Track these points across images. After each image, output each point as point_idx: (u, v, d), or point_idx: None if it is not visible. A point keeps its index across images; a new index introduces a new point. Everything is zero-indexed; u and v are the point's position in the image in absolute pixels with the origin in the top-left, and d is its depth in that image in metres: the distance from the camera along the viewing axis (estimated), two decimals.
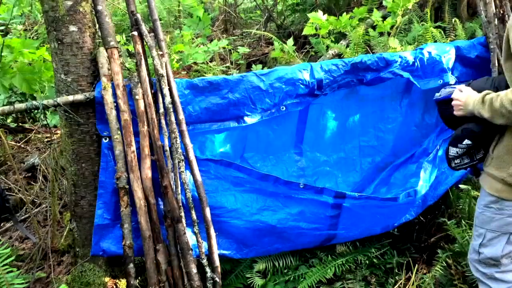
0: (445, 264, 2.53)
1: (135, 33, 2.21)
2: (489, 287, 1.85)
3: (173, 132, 2.17)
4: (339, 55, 3.57)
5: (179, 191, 2.22)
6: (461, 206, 2.72)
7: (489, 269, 1.83)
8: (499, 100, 1.60)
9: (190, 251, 2.18)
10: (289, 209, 2.47)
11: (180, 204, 2.20)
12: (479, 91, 1.77)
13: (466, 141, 1.83)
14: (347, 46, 3.57)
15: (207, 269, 2.19)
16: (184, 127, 2.21)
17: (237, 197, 2.41)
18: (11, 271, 2.08)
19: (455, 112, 1.84)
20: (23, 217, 3.11)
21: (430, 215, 2.88)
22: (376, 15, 3.43)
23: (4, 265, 2.06)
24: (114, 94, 2.15)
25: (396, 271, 2.57)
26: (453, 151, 1.89)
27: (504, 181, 1.70)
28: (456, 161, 1.92)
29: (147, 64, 2.23)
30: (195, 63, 3.56)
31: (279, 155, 2.93)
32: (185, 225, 2.20)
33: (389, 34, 3.42)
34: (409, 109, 2.84)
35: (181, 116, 2.20)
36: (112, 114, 2.14)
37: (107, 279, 2.41)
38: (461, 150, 1.87)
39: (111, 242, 2.27)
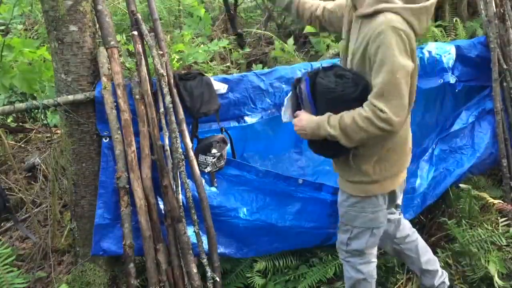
0: (446, 264, 2.53)
1: (135, 32, 2.21)
2: (349, 273, 2.11)
3: (173, 131, 2.17)
4: (340, 55, 3.57)
5: (179, 191, 2.22)
6: (461, 206, 2.72)
7: (354, 258, 2.06)
8: (350, 116, 1.65)
9: (191, 251, 2.18)
10: (289, 207, 2.47)
11: (180, 204, 2.20)
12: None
13: (214, 151, 2.22)
14: None
15: (208, 269, 2.19)
16: (184, 126, 2.21)
17: (237, 196, 2.41)
18: (12, 271, 2.08)
19: (303, 137, 1.89)
20: (23, 217, 3.11)
21: (431, 214, 2.88)
22: None
23: (4, 265, 2.06)
24: (114, 94, 2.15)
25: (397, 270, 2.57)
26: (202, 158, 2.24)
27: (374, 181, 1.85)
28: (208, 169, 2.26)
29: (147, 64, 2.23)
30: (195, 62, 3.56)
31: (279, 154, 2.93)
32: (185, 224, 2.20)
33: None
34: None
35: (181, 115, 2.20)
36: (112, 113, 2.14)
37: (107, 279, 2.41)
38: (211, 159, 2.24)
39: (112, 242, 2.27)
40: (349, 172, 1.89)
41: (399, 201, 2.12)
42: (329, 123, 1.70)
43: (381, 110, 1.57)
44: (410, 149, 1.96)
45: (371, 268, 2.09)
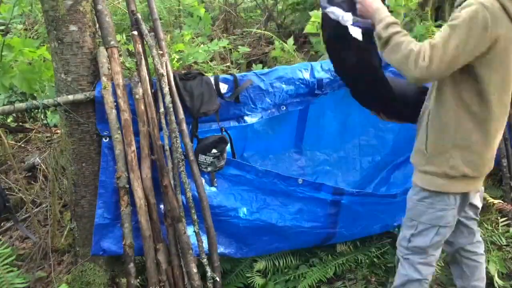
0: (445, 264, 2.53)
1: (135, 32, 2.21)
2: (406, 271, 1.97)
3: (173, 131, 2.17)
4: None
5: (179, 191, 2.22)
6: None
7: (414, 256, 1.95)
8: (402, 38, 1.66)
9: (190, 251, 2.18)
10: (289, 207, 2.47)
11: (180, 204, 2.20)
12: None
13: (214, 150, 2.22)
14: None
15: (208, 269, 2.19)
16: (184, 126, 2.21)
17: (237, 196, 2.41)
18: (12, 271, 2.08)
19: (358, 5, 1.83)
20: (23, 217, 3.11)
21: None
22: None
23: (4, 264, 2.06)
24: (114, 94, 2.15)
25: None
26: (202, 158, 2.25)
27: (446, 175, 1.78)
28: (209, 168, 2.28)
29: (147, 64, 2.23)
30: (195, 62, 3.56)
31: (279, 154, 2.93)
32: (185, 224, 2.20)
33: None
34: None
35: (181, 115, 2.20)
36: (112, 113, 2.14)
37: (107, 278, 2.41)
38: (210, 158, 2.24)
39: (111, 242, 2.27)
40: (422, 161, 1.85)
41: (478, 203, 2.02)
42: (386, 26, 1.70)
43: (424, 58, 1.58)
44: (492, 155, 1.85)
45: (429, 271, 1.98)
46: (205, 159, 2.25)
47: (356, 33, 1.80)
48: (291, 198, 2.47)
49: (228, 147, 2.37)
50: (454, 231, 2.00)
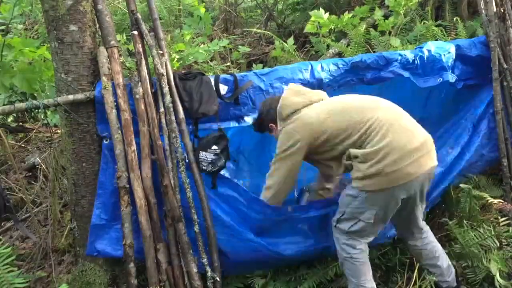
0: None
1: (135, 32, 2.21)
2: (339, 249, 2.27)
3: (173, 131, 2.17)
4: (340, 54, 3.57)
5: (179, 191, 2.21)
6: (461, 206, 2.71)
7: (341, 235, 2.24)
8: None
9: (191, 251, 2.18)
10: (282, 234, 2.41)
11: (180, 204, 2.20)
12: None
13: (214, 147, 2.24)
14: (348, 45, 3.56)
15: (208, 269, 2.19)
16: (184, 126, 2.21)
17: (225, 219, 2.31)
18: (12, 271, 2.07)
19: None
20: (23, 217, 3.11)
21: (431, 214, 2.87)
22: (378, 14, 3.43)
23: (4, 264, 2.06)
24: (115, 94, 2.15)
25: (398, 269, 2.57)
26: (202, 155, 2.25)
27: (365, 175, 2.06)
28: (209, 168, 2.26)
29: (147, 64, 2.23)
30: (195, 62, 3.56)
31: (274, 147, 2.94)
32: (185, 224, 2.20)
33: (389, 33, 3.42)
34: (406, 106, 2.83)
35: (181, 115, 2.20)
36: (112, 113, 2.14)
37: (107, 278, 2.41)
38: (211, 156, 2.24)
39: (106, 243, 2.25)
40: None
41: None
42: None
43: None
44: (391, 150, 2.00)
45: (355, 251, 2.20)
46: (206, 156, 2.23)
47: None
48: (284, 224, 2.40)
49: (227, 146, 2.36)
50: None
